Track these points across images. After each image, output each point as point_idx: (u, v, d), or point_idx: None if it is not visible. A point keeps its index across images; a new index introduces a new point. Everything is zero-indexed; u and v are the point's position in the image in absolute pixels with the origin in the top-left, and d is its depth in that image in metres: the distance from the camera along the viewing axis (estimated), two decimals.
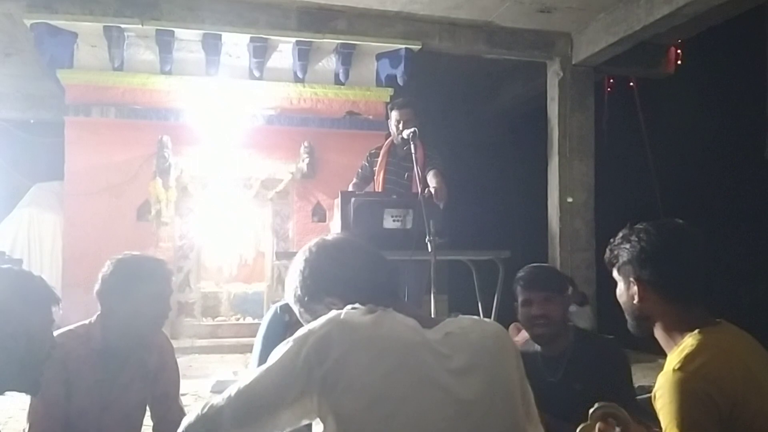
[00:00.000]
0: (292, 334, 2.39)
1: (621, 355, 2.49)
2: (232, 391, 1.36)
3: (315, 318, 1.45)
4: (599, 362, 2.39)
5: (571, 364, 2.42)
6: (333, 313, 1.38)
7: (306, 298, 1.52)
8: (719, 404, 1.45)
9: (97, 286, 2.23)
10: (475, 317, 1.55)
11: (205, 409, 1.37)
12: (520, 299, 2.49)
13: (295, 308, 1.56)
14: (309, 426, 1.41)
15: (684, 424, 1.46)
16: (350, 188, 4.63)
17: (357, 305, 1.40)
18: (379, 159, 4.62)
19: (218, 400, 1.37)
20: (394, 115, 4.56)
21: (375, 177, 4.63)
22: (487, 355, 1.38)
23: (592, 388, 2.17)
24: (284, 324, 2.58)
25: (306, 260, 1.54)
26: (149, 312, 2.23)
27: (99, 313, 2.27)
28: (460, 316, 1.48)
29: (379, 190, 4.54)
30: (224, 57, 6.47)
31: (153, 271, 2.25)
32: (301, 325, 2.35)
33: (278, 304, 2.69)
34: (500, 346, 1.43)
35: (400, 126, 4.45)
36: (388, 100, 6.90)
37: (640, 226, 1.71)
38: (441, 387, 1.31)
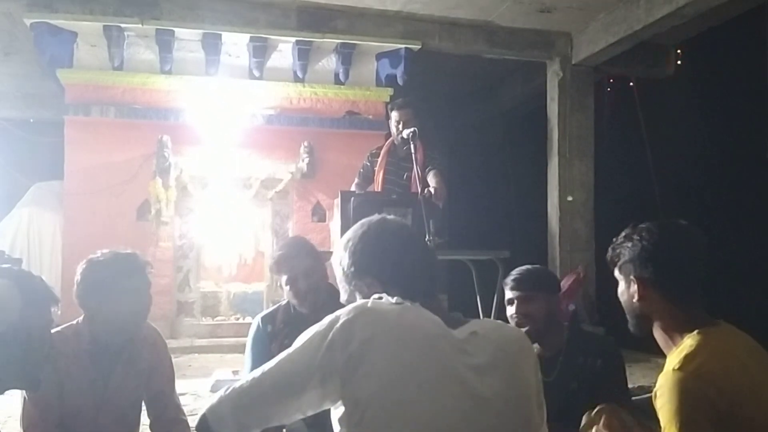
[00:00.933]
0: (277, 342, 2.43)
1: (616, 353, 2.51)
2: (255, 374, 1.40)
3: (352, 290, 1.53)
4: (594, 361, 2.41)
5: (566, 363, 2.44)
6: (360, 301, 1.42)
7: (352, 270, 1.55)
8: (717, 404, 1.46)
9: (74, 290, 2.21)
10: (499, 321, 1.61)
11: (228, 391, 1.41)
12: (506, 299, 2.57)
13: (338, 273, 1.59)
14: (304, 421, 1.43)
15: (682, 424, 1.47)
16: (353, 188, 4.64)
17: (384, 295, 1.44)
18: (379, 159, 4.63)
19: (241, 382, 1.40)
20: (393, 115, 4.57)
21: (374, 176, 4.64)
22: (508, 357, 1.42)
23: (587, 387, 2.18)
24: (268, 334, 2.61)
25: (363, 234, 1.57)
26: (129, 308, 2.21)
27: (84, 314, 2.26)
28: (485, 318, 1.52)
29: (378, 190, 4.55)
30: (224, 57, 6.46)
31: (126, 267, 2.23)
32: (285, 332, 2.39)
33: (259, 317, 2.73)
34: (521, 349, 1.47)
35: (400, 126, 4.47)
36: (388, 99, 6.89)
37: (643, 226, 1.73)
38: (460, 381, 1.34)
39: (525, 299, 2.49)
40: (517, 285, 2.52)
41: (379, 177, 4.60)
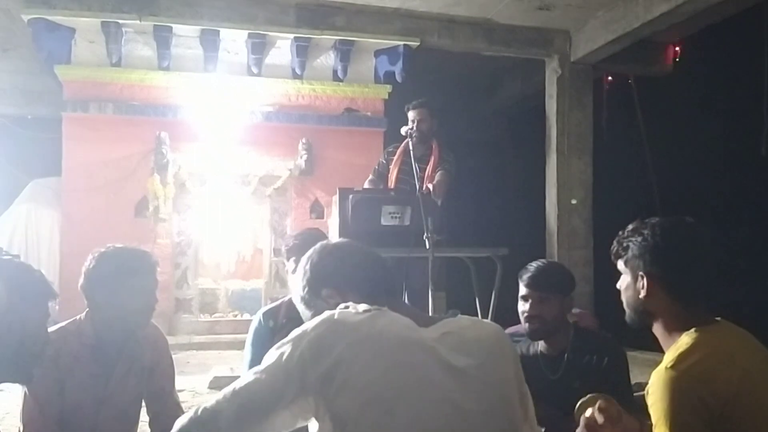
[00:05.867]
0: (279, 337, 2.39)
1: (619, 353, 2.51)
2: (226, 392, 1.35)
3: (315, 313, 1.47)
4: (598, 360, 2.41)
5: (571, 362, 2.45)
6: (326, 313, 1.38)
7: (307, 294, 1.55)
8: (709, 403, 1.45)
9: (81, 281, 2.21)
10: (474, 318, 1.55)
11: (199, 412, 1.35)
12: (519, 293, 2.54)
13: (300, 307, 1.59)
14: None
15: (672, 422, 1.46)
16: (366, 184, 4.67)
17: (350, 304, 1.41)
18: (395, 158, 4.66)
19: (211, 402, 1.35)
20: (409, 115, 4.60)
21: (389, 175, 4.67)
22: (484, 356, 1.38)
23: (590, 386, 2.18)
24: (270, 330, 2.61)
25: (309, 257, 1.59)
26: (135, 305, 2.20)
27: (88, 308, 2.26)
28: (459, 315, 1.48)
29: (392, 188, 4.58)
30: (222, 53, 6.45)
31: (137, 263, 2.23)
32: (288, 328, 2.36)
33: (261, 312, 2.73)
34: (498, 347, 1.43)
35: (415, 126, 4.50)
36: (387, 97, 6.90)
37: (653, 221, 1.69)
38: (437, 386, 1.31)
39: (539, 300, 2.47)
40: (533, 284, 2.49)
41: (392, 175, 4.63)
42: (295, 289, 1.60)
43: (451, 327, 1.41)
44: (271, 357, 1.35)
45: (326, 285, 1.52)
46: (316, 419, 1.32)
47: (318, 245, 1.62)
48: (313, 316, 1.49)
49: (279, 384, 1.31)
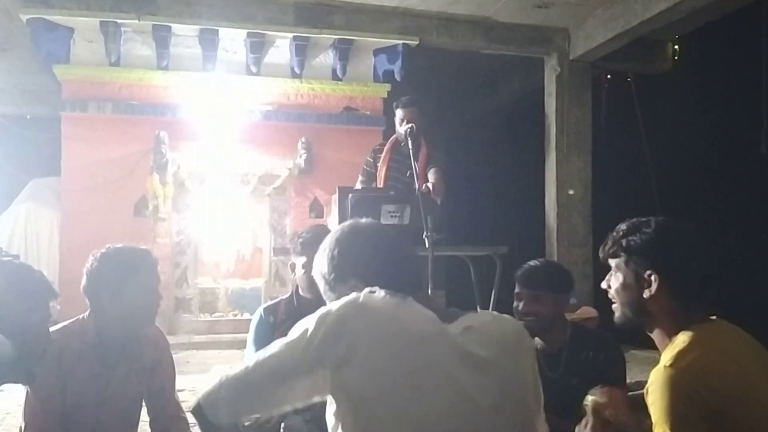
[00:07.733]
0: (279, 333, 2.42)
1: (616, 350, 2.53)
2: (248, 363, 1.40)
3: (337, 297, 1.50)
4: (594, 357, 2.43)
5: (570, 359, 2.46)
6: (352, 295, 1.40)
7: (332, 276, 1.54)
8: (708, 401, 1.45)
9: (83, 282, 2.21)
10: (496, 313, 1.57)
11: (222, 379, 1.42)
12: (515, 290, 2.57)
13: (321, 285, 1.59)
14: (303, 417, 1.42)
15: (673, 420, 1.46)
16: (357, 186, 4.65)
17: (376, 288, 1.42)
18: (383, 155, 4.63)
19: (235, 371, 1.41)
20: (398, 113, 4.56)
21: (377, 173, 4.64)
22: (504, 352, 1.40)
23: (587, 383, 2.20)
24: (270, 325, 2.62)
25: (337, 240, 1.56)
26: (140, 304, 2.21)
27: (91, 309, 2.26)
28: (481, 311, 1.50)
29: (381, 186, 4.55)
30: (221, 52, 6.45)
31: (138, 262, 2.24)
32: (287, 325, 2.38)
33: (261, 308, 2.74)
34: (518, 343, 1.45)
35: (404, 125, 4.47)
36: (386, 95, 6.90)
37: (653, 219, 1.66)
38: (455, 379, 1.33)
39: (531, 297, 2.50)
40: (525, 282, 2.53)
41: (381, 173, 4.59)
42: (318, 266, 1.58)
43: (473, 321, 1.42)
44: (294, 332, 1.39)
45: (354, 275, 1.51)
46: (332, 396, 1.34)
47: (347, 227, 1.59)
48: (337, 299, 1.52)
49: (300, 356, 1.35)
